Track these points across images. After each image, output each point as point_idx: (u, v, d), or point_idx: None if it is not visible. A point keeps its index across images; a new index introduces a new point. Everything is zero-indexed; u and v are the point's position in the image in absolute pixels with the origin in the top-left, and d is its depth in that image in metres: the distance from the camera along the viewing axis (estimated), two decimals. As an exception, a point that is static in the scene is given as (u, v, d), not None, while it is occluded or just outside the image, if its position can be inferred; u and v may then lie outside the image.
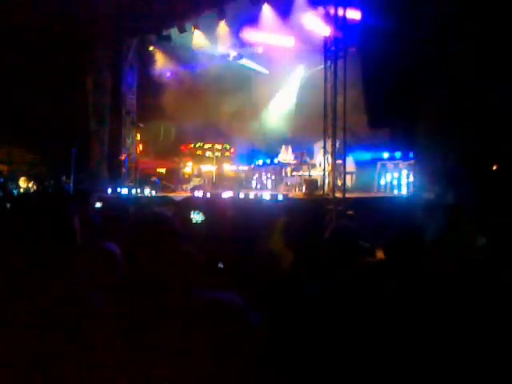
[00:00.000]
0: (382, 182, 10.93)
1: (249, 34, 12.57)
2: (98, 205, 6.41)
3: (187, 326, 1.43)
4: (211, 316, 1.46)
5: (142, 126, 13.64)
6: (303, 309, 1.74)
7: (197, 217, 3.69)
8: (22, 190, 11.52)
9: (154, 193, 12.26)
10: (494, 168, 8.18)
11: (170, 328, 1.44)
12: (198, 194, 11.05)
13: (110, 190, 12.18)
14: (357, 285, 1.90)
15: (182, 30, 12.76)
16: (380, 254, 3.13)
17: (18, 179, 11.92)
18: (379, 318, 1.70)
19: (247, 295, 1.62)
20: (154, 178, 13.33)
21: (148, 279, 1.60)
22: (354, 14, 9.93)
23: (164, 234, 1.75)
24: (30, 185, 11.67)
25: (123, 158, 13.07)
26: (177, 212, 4.03)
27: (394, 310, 1.75)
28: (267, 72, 14.42)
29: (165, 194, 11.60)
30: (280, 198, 9.67)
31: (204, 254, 2.29)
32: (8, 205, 5.22)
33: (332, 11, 9.56)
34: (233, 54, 13.63)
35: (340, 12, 9.43)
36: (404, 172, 10.41)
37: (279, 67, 13.30)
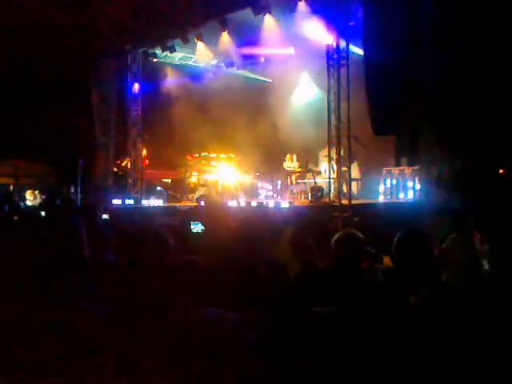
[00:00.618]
0: (388, 188, 10.90)
1: (251, 44, 12.66)
2: (105, 216, 6.44)
3: (182, 340, 1.44)
4: (204, 331, 1.47)
5: (147, 137, 13.74)
6: (311, 326, 1.74)
7: (197, 227, 3.69)
8: (28, 203, 11.58)
9: (160, 203, 12.30)
10: (501, 172, 8.14)
11: (164, 340, 1.45)
12: (201, 203, 11.08)
13: (115, 201, 12.24)
14: (365, 295, 1.89)
15: (184, 41, 12.87)
16: (387, 260, 3.12)
17: (24, 192, 12.00)
18: (389, 330, 1.70)
19: (247, 309, 1.63)
20: (159, 188, 13.38)
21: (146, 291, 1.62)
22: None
23: (158, 247, 1.79)
24: (37, 197, 11.73)
25: (124, 162, 13.17)
26: (181, 222, 4.05)
27: (403, 316, 1.75)
28: (270, 81, 14.50)
29: (171, 204, 11.64)
30: (286, 205, 9.67)
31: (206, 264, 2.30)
32: (15, 218, 5.26)
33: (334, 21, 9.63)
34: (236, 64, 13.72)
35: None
36: (409, 178, 10.39)
37: (283, 76, 13.35)
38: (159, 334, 1.49)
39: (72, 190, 12.48)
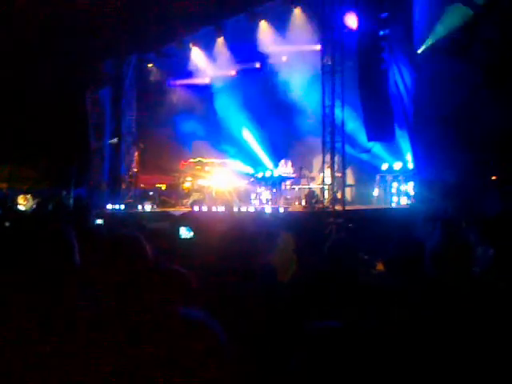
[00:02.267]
0: (382, 194, 10.93)
1: (246, 51, 12.71)
2: (99, 221, 6.41)
3: (160, 342, 1.42)
4: (180, 333, 1.45)
5: (142, 146, 13.78)
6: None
7: (186, 233, 3.64)
8: (21, 208, 11.51)
9: (154, 208, 12.26)
10: (493, 178, 8.20)
11: (143, 344, 1.43)
12: (196, 208, 11.07)
13: (109, 206, 12.20)
14: (358, 302, 1.88)
15: (179, 47, 12.91)
16: (381, 266, 3.12)
17: (17, 196, 11.93)
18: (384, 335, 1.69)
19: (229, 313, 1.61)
20: (151, 193, 13.35)
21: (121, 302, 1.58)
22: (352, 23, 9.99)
23: (134, 255, 1.73)
24: (30, 202, 11.66)
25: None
26: (170, 227, 4.01)
27: (396, 323, 1.74)
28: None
29: (164, 209, 11.60)
30: (280, 211, 9.67)
31: (193, 272, 2.26)
32: (7, 223, 5.21)
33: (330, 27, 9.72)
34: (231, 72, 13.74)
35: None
36: (403, 184, 10.43)
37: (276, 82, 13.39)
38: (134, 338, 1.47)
39: (64, 195, 12.41)
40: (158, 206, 12.44)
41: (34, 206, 11.31)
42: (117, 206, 12.28)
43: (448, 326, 1.80)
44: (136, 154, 14.06)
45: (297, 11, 11.30)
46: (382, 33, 9.44)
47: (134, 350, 1.42)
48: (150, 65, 13.99)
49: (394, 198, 10.59)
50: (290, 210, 10.29)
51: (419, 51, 9.46)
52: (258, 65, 13.53)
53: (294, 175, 12.20)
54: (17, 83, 12.23)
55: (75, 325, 1.53)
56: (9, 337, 1.48)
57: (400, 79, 10.29)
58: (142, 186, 13.84)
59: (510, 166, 7.57)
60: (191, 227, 3.61)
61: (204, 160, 13.86)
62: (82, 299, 1.67)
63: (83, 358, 1.44)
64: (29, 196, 11.77)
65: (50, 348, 1.46)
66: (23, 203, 11.61)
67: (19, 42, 11.46)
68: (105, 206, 12.06)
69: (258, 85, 13.19)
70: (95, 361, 1.43)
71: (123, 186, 13.46)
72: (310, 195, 10.58)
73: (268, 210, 10.00)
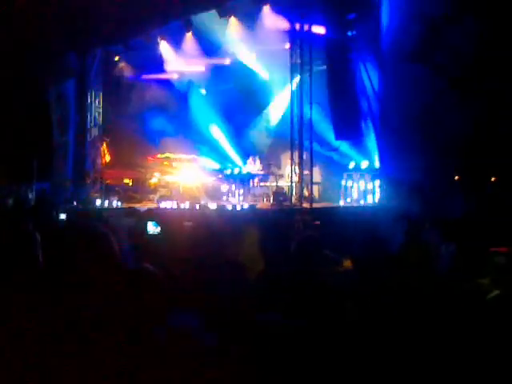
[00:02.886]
0: (348, 192, 11.10)
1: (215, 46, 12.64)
2: (63, 216, 6.26)
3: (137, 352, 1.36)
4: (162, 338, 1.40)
5: (107, 139, 13.49)
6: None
7: (153, 228, 3.60)
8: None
9: (119, 204, 12.06)
10: (457, 178, 8.44)
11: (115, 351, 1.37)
12: (166, 205, 10.95)
13: (75, 202, 11.92)
14: (323, 300, 1.90)
15: (148, 40, 12.72)
16: (346, 264, 3.16)
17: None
18: (347, 331, 1.71)
19: (206, 311, 1.58)
20: (117, 188, 13.14)
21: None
22: (319, 29, 10.13)
23: (102, 252, 1.67)
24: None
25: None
26: (137, 223, 3.94)
27: (362, 320, 1.77)
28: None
29: (130, 205, 11.42)
30: (247, 208, 9.68)
31: (163, 270, 2.22)
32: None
33: (297, 26, 9.77)
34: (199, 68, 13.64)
35: (305, 27, 9.64)
36: (369, 183, 10.61)
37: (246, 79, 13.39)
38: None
39: (25, 190, 12.04)
40: (123, 202, 12.24)
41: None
42: (81, 201, 12.01)
43: (410, 326, 1.83)
44: (102, 148, 13.78)
45: (266, 9, 11.31)
46: (349, 33, 9.57)
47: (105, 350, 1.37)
48: (116, 58, 13.71)
49: (360, 197, 10.77)
50: (257, 206, 10.32)
51: (385, 54, 9.64)
52: (227, 61, 13.48)
53: (262, 172, 12.25)
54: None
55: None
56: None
57: (367, 79, 10.46)
58: (107, 181, 13.58)
59: (473, 168, 7.81)
60: (158, 223, 3.57)
61: (172, 156, 13.74)
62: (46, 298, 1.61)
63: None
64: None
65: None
66: (-18, 198, 11.20)
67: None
68: (69, 201, 11.77)
69: (228, 81, 13.15)
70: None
71: (88, 181, 13.17)
72: (278, 192, 10.64)
73: (235, 206, 9.99)
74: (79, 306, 1.57)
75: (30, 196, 11.82)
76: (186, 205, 10.51)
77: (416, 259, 2.21)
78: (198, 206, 9.63)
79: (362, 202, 10.61)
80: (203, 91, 14.19)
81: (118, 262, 1.71)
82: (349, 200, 10.89)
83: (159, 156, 13.97)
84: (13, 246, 1.73)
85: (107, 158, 14.00)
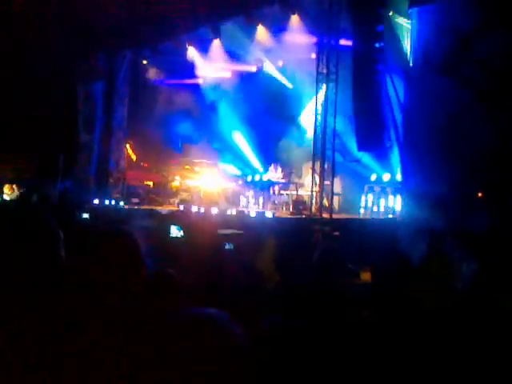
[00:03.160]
0: (369, 204, 11.00)
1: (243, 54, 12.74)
2: (86, 215, 6.35)
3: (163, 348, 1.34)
4: (192, 332, 1.37)
5: (131, 142, 13.75)
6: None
7: (177, 232, 3.62)
8: (5, 197, 11.36)
9: (141, 205, 12.19)
10: (480, 195, 8.30)
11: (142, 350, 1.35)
12: (183, 208, 11.00)
13: (95, 201, 12.09)
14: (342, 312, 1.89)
15: (176, 46, 12.89)
16: (364, 276, 3.14)
17: (2, 186, 11.77)
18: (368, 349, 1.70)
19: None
20: (139, 190, 13.29)
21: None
22: (346, 40, 10.13)
23: (125, 253, 1.66)
24: (15, 192, 11.52)
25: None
26: (159, 226, 3.98)
27: (382, 337, 1.75)
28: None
29: (152, 207, 11.54)
30: (268, 216, 9.68)
31: (182, 273, 2.23)
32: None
33: (325, 37, 9.80)
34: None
35: (333, 38, 9.67)
36: (391, 195, 10.51)
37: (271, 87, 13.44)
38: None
39: (48, 186, 12.27)
40: (145, 204, 12.37)
41: (18, 197, 11.18)
42: (103, 201, 12.18)
43: (427, 340, 1.81)
44: (125, 149, 13.99)
45: (294, 18, 11.36)
46: (377, 45, 9.54)
47: (130, 350, 1.35)
48: (144, 61, 13.93)
49: (381, 209, 10.67)
50: (276, 215, 10.30)
51: (412, 65, 9.57)
52: (253, 68, 13.56)
53: (282, 180, 12.24)
54: (7, 73, 12.08)
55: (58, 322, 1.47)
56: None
57: (393, 91, 10.40)
58: (129, 182, 13.76)
59: (498, 182, 7.68)
60: (181, 226, 3.60)
61: (193, 160, 13.85)
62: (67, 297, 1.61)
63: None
64: (14, 186, 11.63)
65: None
66: (8, 193, 11.46)
67: (13, 32, 11.36)
68: (91, 201, 11.95)
69: (253, 88, 13.22)
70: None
71: (111, 181, 13.36)
72: (298, 201, 10.61)
73: (255, 213, 10.00)
74: (97, 306, 1.58)
75: (54, 193, 12.04)
76: (207, 209, 10.51)
77: (437, 273, 2.17)
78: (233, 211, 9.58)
79: (382, 215, 10.51)
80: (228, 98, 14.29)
81: (141, 263, 1.71)
82: (369, 212, 10.80)
83: (181, 160, 14.10)
84: (36, 243, 1.73)
85: (133, 157, 14.20)
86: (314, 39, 10.81)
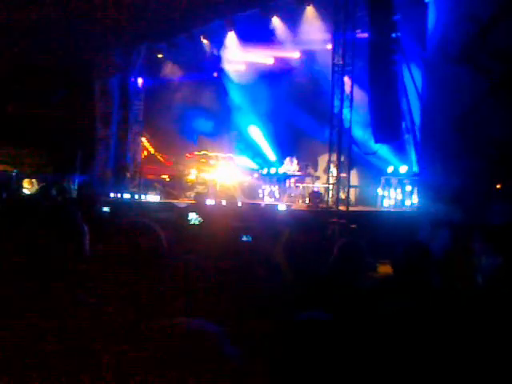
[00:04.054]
0: (386, 196, 10.93)
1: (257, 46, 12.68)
2: (106, 209, 6.44)
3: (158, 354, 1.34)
4: (184, 345, 1.37)
5: (147, 136, 13.83)
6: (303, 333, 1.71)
7: (196, 217, 3.67)
8: (26, 191, 11.56)
9: (157, 199, 12.30)
10: (498, 187, 8.17)
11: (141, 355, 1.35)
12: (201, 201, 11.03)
13: (112, 194, 12.24)
14: (362, 304, 1.89)
15: (190, 39, 12.89)
16: (382, 269, 3.13)
17: (22, 180, 11.97)
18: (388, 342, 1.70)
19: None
20: (156, 184, 13.40)
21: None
22: (362, 32, 10.02)
23: (149, 243, 1.69)
24: (35, 186, 11.70)
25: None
26: (178, 217, 4.02)
27: (403, 330, 1.75)
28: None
29: (168, 200, 11.62)
30: (283, 208, 9.68)
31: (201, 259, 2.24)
32: (13, 206, 5.22)
33: (340, 28, 9.70)
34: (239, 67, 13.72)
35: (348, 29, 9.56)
36: (408, 187, 10.41)
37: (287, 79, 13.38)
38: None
39: (67, 180, 12.45)
40: (162, 197, 12.47)
41: (39, 191, 11.34)
42: (121, 195, 12.32)
43: (446, 333, 1.81)
44: (142, 143, 14.09)
45: (309, 9, 11.26)
46: (394, 35, 9.40)
47: (137, 349, 1.36)
48: (159, 55, 13.97)
49: (398, 201, 10.58)
50: (293, 207, 10.30)
51: (430, 55, 9.42)
52: (270, 61, 13.51)
53: (298, 173, 12.21)
54: (26, 68, 12.24)
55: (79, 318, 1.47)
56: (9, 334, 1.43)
57: (410, 82, 10.25)
58: (146, 175, 13.89)
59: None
60: (199, 214, 3.65)
61: (209, 153, 13.89)
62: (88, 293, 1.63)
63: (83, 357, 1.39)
64: (34, 180, 11.82)
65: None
66: (28, 187, 11.65)
67: (27, 23, 11.45)
68: (109, 194, 12.10)
69: (268, 81, 13.17)
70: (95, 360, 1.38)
71: (128, 175, 13.49)
72: (315, 194, 10.58)
73: (272, 206, 10.01)
74: (122, 298, 1.60)
75: (72, 187, 12.22)
76: (223, 202, 10.53)
77: (461, 268, 2.16)
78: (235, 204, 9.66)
79: (399, 207, 10.43)
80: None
81: (163, 254, 1.74)
82: (386, 204, 10.73)
83: (196, 153, 14.16)
84: (65, 236, 1.77)
85: (151, 150, 14.31)
86: (329, 30, 10.71)
